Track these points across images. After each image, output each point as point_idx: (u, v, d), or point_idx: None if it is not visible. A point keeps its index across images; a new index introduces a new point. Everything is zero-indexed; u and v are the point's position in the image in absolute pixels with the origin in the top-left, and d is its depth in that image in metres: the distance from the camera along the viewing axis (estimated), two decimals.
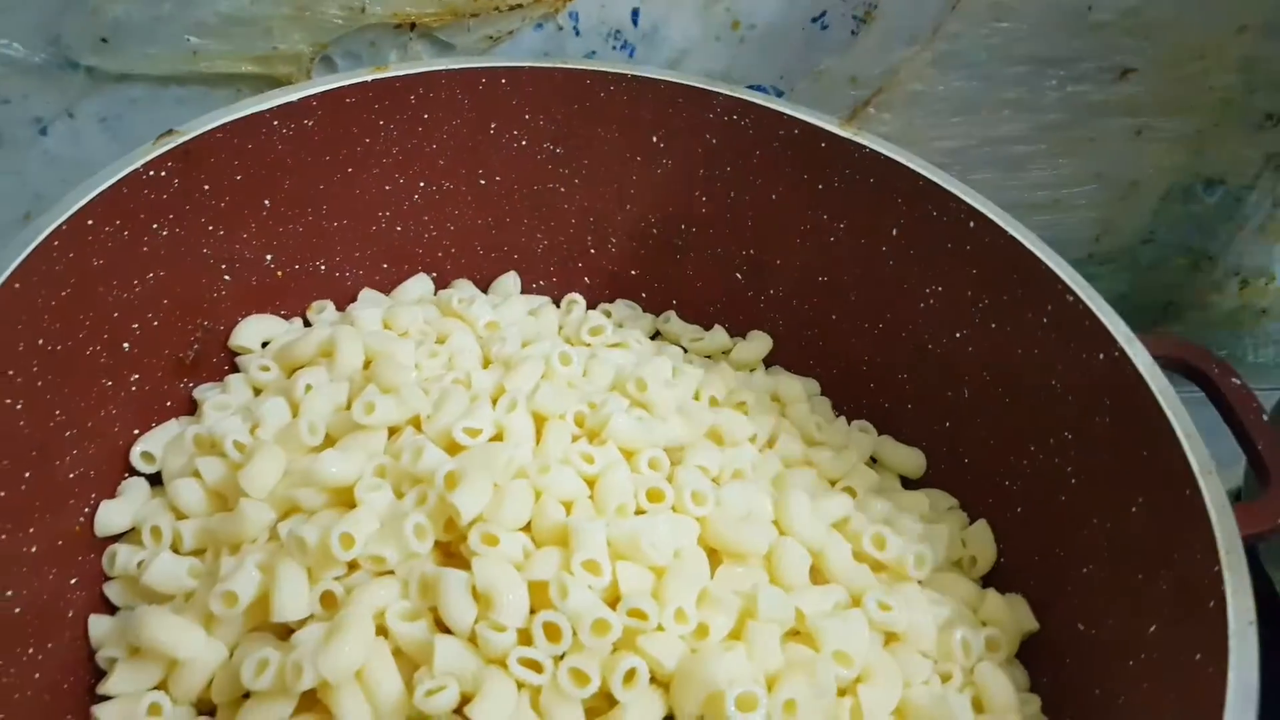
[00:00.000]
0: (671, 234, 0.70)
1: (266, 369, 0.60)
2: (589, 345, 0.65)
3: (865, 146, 0.62)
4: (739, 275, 0.70)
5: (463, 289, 0.68)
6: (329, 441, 0.55)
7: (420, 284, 0.68)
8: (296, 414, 0.56)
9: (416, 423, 0.55)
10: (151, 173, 0.55)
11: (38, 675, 0.47)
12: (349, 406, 0.56)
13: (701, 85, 0.64)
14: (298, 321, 0.64)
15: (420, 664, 0.46)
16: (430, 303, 0.66)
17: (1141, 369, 0.51)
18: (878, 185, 0.62)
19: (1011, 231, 0.58)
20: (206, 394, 0.59)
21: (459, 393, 0.56)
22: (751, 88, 0.67)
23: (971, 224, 0.59)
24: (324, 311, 0.64)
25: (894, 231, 0.63)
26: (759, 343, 0.70)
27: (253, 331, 0.62)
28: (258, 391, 0.60)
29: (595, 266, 0.71)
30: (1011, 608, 0.56)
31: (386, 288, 0.67)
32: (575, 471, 0.52)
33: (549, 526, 0.50)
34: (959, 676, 0.52)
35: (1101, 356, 0.53)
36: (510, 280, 0.70)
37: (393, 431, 0.55)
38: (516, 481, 0.50)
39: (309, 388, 0.57)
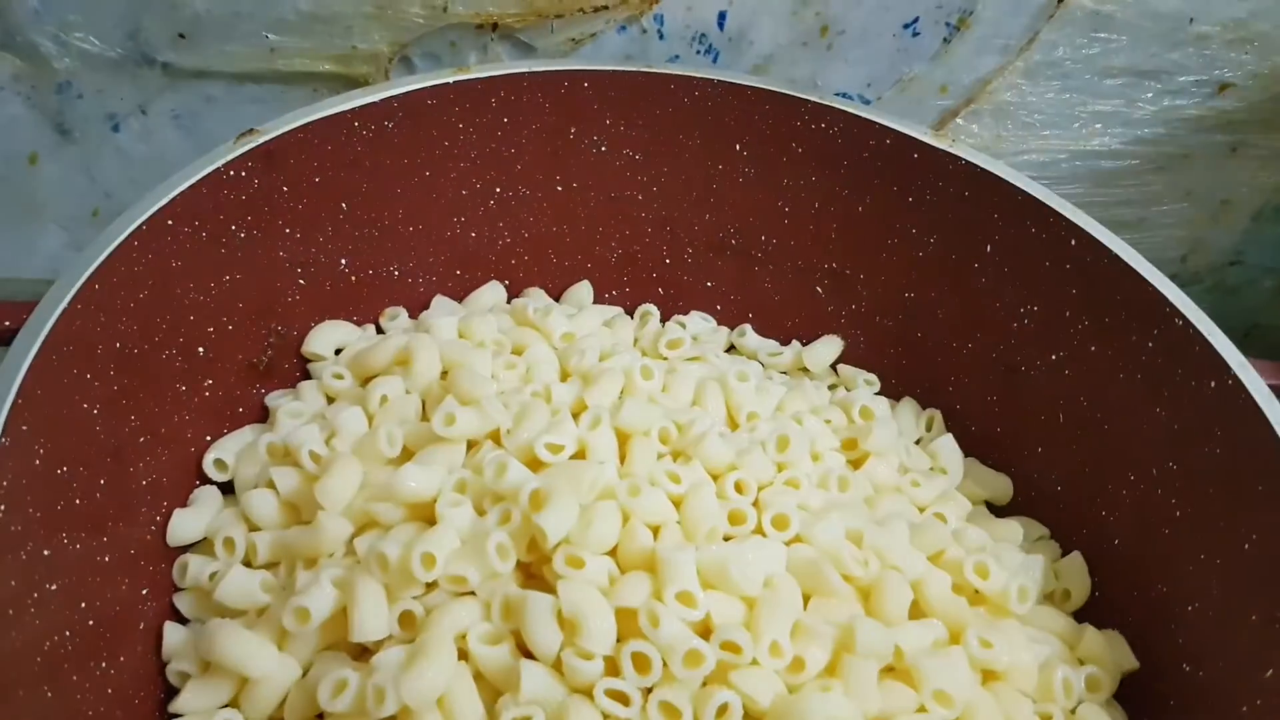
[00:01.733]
0: (751, 245, 0.67)
1: (340, 377, 0.58)
2: (666, 359, 0.63)
3: (961, 158, 0.60)
4: (819, 289, 0.67)
5: (536, 298, 0.66)
6: (406, 454, 0.53)
7: (493, 291, 0.66)
8: (372, 424, 0.54)
9: (496, 436, 0.53)
10: (232, 173, 0.53)
11: (110, 690, 0.45)
12: (426, 418, 0.54)
13: (789, 92, 0.62)
14: (370, 328, 0.63)
15: (501, 690, 0.44)
16: (504, 311, 0.64)
17: (1256, 397, 0.49)
18: (972, 199, 0.60)
19: (1116, 251, 0.56)
20: (279, 401, 0.58)
21: (540, 406, 0.54)
22: (837, 95, 0.65)
23: (1073, 241, 0.57)
24: (397, 319, 0.63)
25: (988, 248, 0.61)
26: (828, 345, 0.67)
27: (326, 338, 0.60)
28: (330, 400, 0.58)
29: (670, 277, 0.69)
30: (1111, 645, 0.54)
31: (459, 294, 0.66)
32: (664, 493, 0.50)
33: (637, 551, 0.48)
34: (1060, 717, 0.49)
35: (1212, 384, 0.51)
36: (584, 290, 0.68)
37: (471, 445, 0.53)
38: (603, 502, 0.48)
39: (385, 399, 0.55)
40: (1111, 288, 0.56)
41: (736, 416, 0.59)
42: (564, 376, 0.59)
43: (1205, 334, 0.52)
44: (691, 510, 0.50)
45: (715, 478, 0.53)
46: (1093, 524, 0.58)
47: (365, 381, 0.58)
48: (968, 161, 0.60)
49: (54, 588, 0.43)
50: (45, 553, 0.43)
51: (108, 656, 0.46)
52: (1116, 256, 0.56)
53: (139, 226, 0.49)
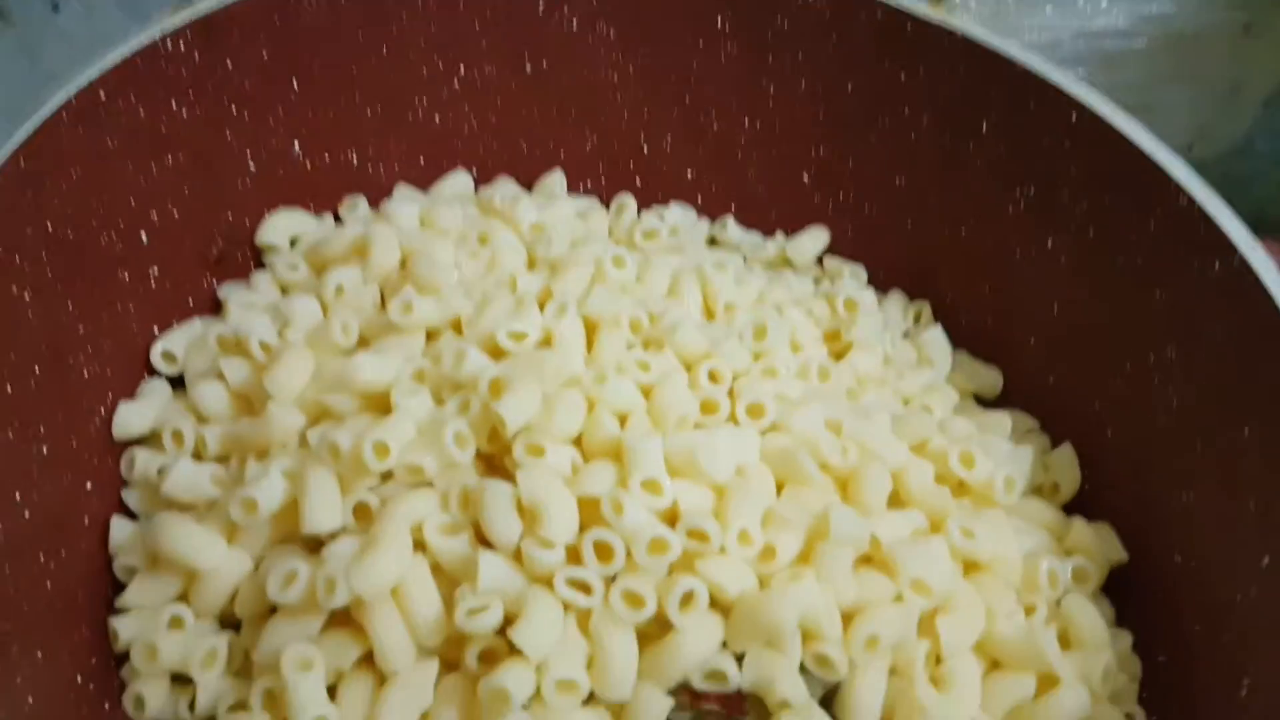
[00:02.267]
0: (733, 130, 0.64)
1: (295, 268, 0.55)
2: (641, 250, 0.60)
3: (957, 32, 0.56)
4: (806, 177, 0.64)
5: (505, 187, 0.63)
6: (362, 344, 0.51)
7: (459, 180, 0.63)
8: (327, 314, 0.52)
9: (457, 326, 0.51)
10: (170, 46, 0.50)
11: (50, 584, 0.44)
12: (384, 308, 0.52)
13: None
14: (328, 218, 0.60)
15: (460, 582, 0.42)
16: (470, 201, 0.61)
17: (1264, 278, 0.46)
18: (969, 76, 0.56)
19: (1118, 125, 0.52)
20: (231, 293, 0.55)
21: (503, 294, 0.51)
22: None
23: (1074, 116, 0.54)
24: (357, 208, 0.60)
25: (984, 127, 0.57)
26: (813, 237, 0.64)
27: (280, 227, 0.57)
28: (285, 291, 0.56)
29: (648, 167, 0.66)
30: (1099, 537, 0.52)
31: (423, 184, 0.62)
32: (633, 382, 0.47)
33: (601, 440, 0.46)
34: (1044, 609, 0.47)
35: (1217, 265, 0.48)
36: (556, 180, 0.65)
37: (431, 335, 0.51)
38: (567, 390, 0.46)
39: (340, 288, 0.53)
40: (1113, 165, 0.52)
41: (714, 307, 0.56)
42: (531, 266, 0.56)
43: (1211, 213, 0.49)
44: (661, 398, 0.47)
45: (688, 367, 0.50)
46: (1085, 415, 0.55)
47: (322, 272, 0.55)
48: (965, 35, 0.56)
49: None
50: None
51: (47, 550, 0.44)
52: (1119, 132, 0.52)
53: (68, 100, 0.46)
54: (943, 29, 0.57)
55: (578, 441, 0.46)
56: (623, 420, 0.47)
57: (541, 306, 0.51)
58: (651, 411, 0.47)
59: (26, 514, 0.43)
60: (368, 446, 0.43)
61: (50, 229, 0.46)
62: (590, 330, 0.51)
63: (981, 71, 0.56)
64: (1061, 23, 0.71)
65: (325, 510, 0.43)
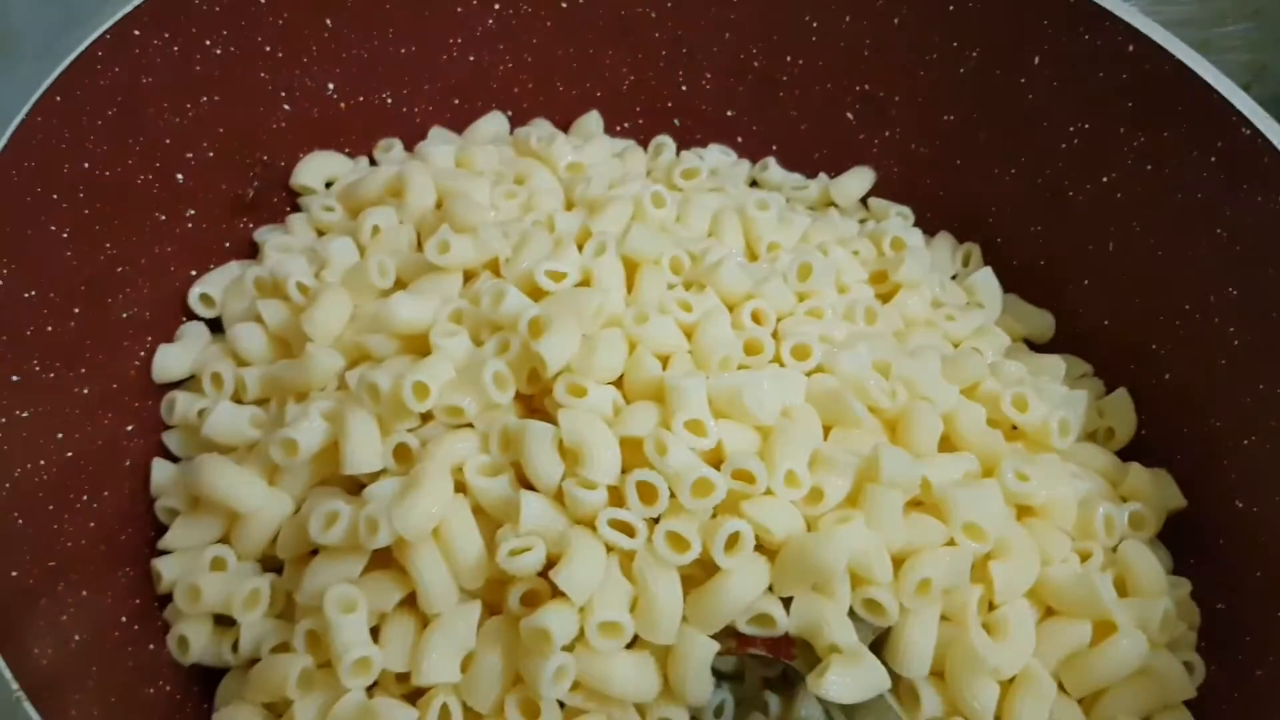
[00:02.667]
0: (775, 67, 0.62)
1: (330, 209, 0.55)
2: (681, 190, 0.59)
3: None
4: (850, 115, 0.62)
5: (541, 128, 0.62)
6: (399, 285, 0.50)
7: (495, 122, 0.62)
8: (364, 255, 0.51)
9: (494, 266, 0.50)
10: None
11: (93, 524, 0.43)
12: (420, 249, 0.51)
13: None
14: (363, 160, 0.59)
15: (501, 523, 0.42)
16: (506, 143, 0.60)
17: None
18: (1020, 6, 0.55)
19: (1179, 55, 0.50)
20: (267, 235, 0.54)
21: (541, 234, 0.50)
22: None
23: (1131, 48, 0.52)
24: (392, 150, 0.59)
25: (1036, 60, 0.55)
26: (858, 177, 0.62)
27: (315, 169, 0.57)
28: (321, 234, 0.55)
29: (687, 106, 0.64)
30: (1157, 483, 0.50)
31: (458, 126, 0.61)
32: (674, 321, 0.46)
33: (643, 380, 0.45)
34: (1100, 555, 0.46)
35: None
36: (593, 120, 0.63)
37: (468, 276, 0.50)
38: (608, 330, 0.45)
39: (376, 229, 0.52)
40: (1172, 97, 0.51)
41: (756, 248, 0.55)
42: (569, 207, 0.55)
43: (1278, 145, 0.47)
44: (704, 338, 0.46)
45: (731, 308, 0.49)
46: (1141, 359, 0.54)
47: (357, 214, 0.54)
48: None
49: (24, 415, 0.41)
50: (13, 378, 0.41)
51: (90, 491, 0.44)
52: (1179, 62, 0.50)
53: (102, 35, 0.46)
54: None
55: (618, 382, 0.45)
56: (664, 361, 0.46)
57: (580, 246, 0.50)
58: (694, 352, 0.46)
59: (69, 454, 0.43)
60: (407, 387, 0.42)
61: (87, 167, 0.46)
62: (630, 270, 0.50)
63: (1035, 2, 0.54)
64: None
65: (366, 451, 0.43)
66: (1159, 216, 0.52)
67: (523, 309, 0.45)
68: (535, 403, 0.46)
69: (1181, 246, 0.51)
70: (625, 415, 0.43)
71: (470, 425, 0.44)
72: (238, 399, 0.49)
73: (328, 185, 0.57)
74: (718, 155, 0.64)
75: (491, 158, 0.57)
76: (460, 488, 0.42)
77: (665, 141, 0.63)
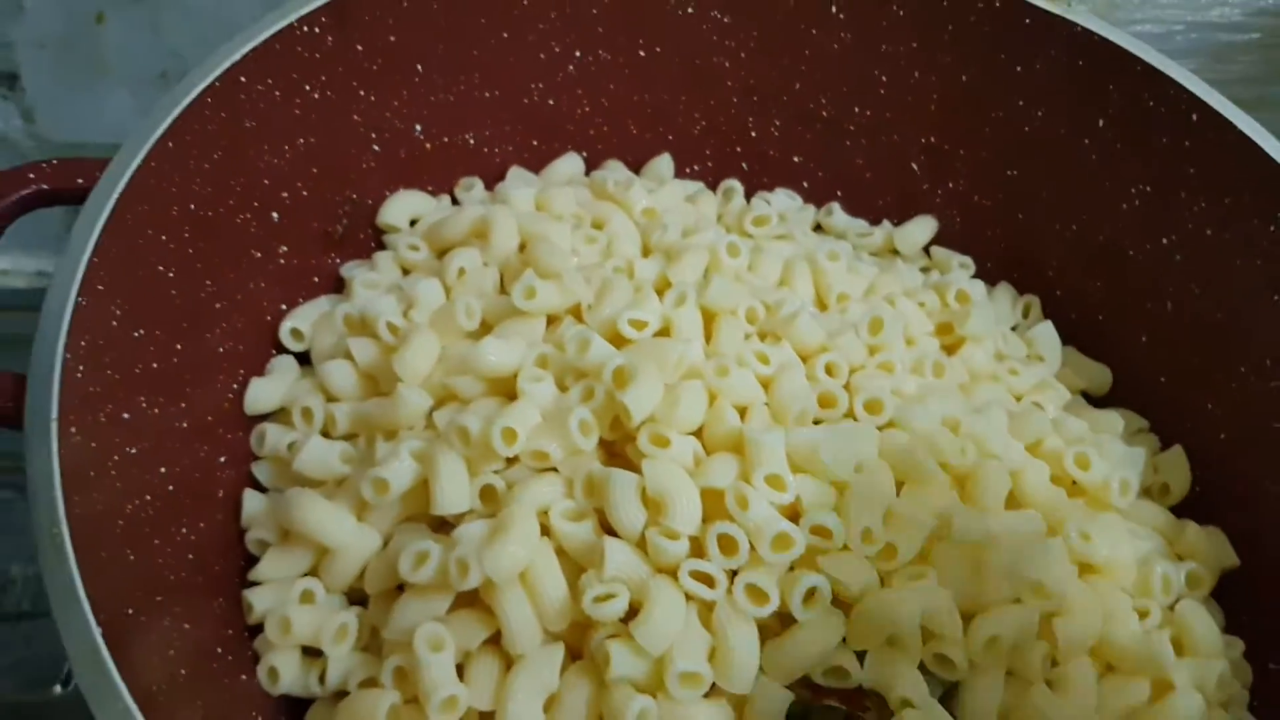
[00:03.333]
0: (843, 117, 0.63)
1: (416, 248, 0.56)
2: (751, 237, 0.60)
3: (1078, 25, 0.56)
4: (915, 165, 0.64)
5: (616, 171, 0.64)
6: (484, 327, 0.51)
7: (571, 163, 0.63)
8: (450, 296, 0.53)
9: (576, 311, 0.51)
10: (305, 29, 0.51)
11: (190, 556, 0.45)
12: (504, 291, 0.53)
13: None
14: (445, 199, 0.61)
15: (584, 567, 0.43)
16: (582, 184, 0.61)
17: None
18: (1087, 69, 0.56)
19: (1243, 128, 0.52)
20: (354, 272, 0.56)
21: (622, 281, 0.52)
22: None
23: (1194, 116, 0.53)
24: (473, 189, 0.61)
25: (1100, 122, 0.57)
26: (922, 226, 0.64)
27: (400, 208, 0.58)
28: (406, 271, 0.57)
29: (755, 151, 0.66)
30: (1211, 541, 0.52)
31: (535, 165, 0.63)
32: (752, 374, 0.48)
33: (723, 432, 0.46)
34: (1158, 614, 0.47)
35: None
36: (664, 164, 0.65)
37: (551, 320, 0.52)
38: (690, 382, 0.47)
39: (462, 271, 0.54)
40: (1235, 167, 0.52)
41: (826, 297, 0.56)
42: (645, 252, 0.57)
43: None
44: (781, 391, 0.48)
45: (804, 359, 0.51)
46: (1196, 416, 0.55)
47: (441, 253, 0.56)
48: (1085, 28, 0.55)
49: (134, 451, 0.43)
50: (125, 416, 0.43)
51: (188, 522, 0.46)
52: (1243, 134, 0.52)
53: (212, 83, 0.47)
54: (1063, 21, 0.56)
55: (698, 432, 0.47)
56: (742, 413, 0.48)
57: (659, 294, 0.52)
58: (771, 404, 0.48)
59: (170, 487, 0.45)
60: (496, 432, 0.44)
61: (193, 209, 0.48)
62: (708, 320, 0.51)
63: (1101, 67, 0.56)
64: (1175, 15, 0.69)
65: (456, 493, 0.44)
66: (1218, 280, 0.54)
67: (608, 358, 0.46)
68: (617, 448, 0.47)
69: (1239, 310, 0.53)
70: (706, 467, 0.45)
71: (555, 469, 0.46)
72: (326, 433, 0.50)
73: (411, 223, 0.59)
74: (784, 200, 0.66)
75: (569, 200, 0.58)
76: (545, 530, 0.44)
77: (734, 186, 0.65)
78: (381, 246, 0.58)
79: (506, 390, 0.48)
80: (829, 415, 0.49)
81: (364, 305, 0.52)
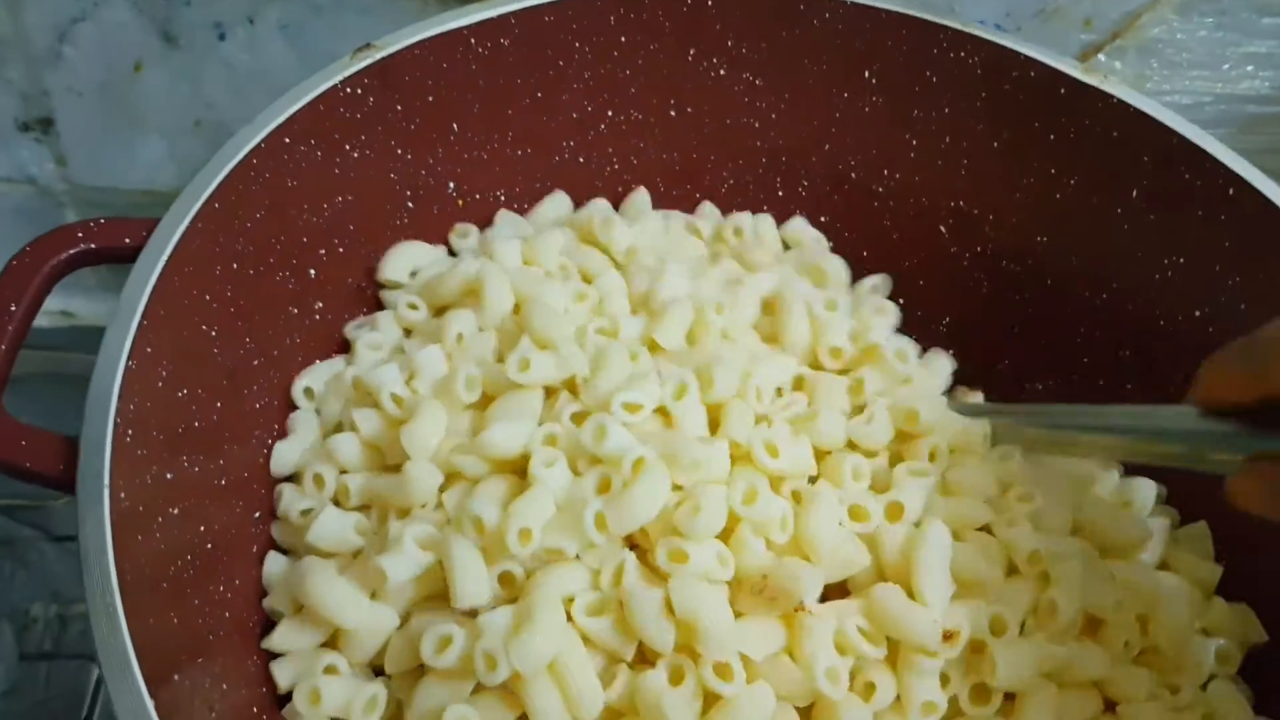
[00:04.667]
0: (871, 179, 0.64)
1: (415, 307, 0.55)
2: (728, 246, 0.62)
3: (1113, 96, 0.56)
4: (943, 228, 0.64)
5: (598, 209, 0.62)
6: (485, 398, 0.50)
7: (557, 204, 0.63)
8: (451, 364, 0.52)
9: (572, 385, 0.50)
10: (348, 90, 0.52)
11: (227, 615, 0.46)
12: (502, 357, 0.51)
13: (928, 18, 0.58)
14: (442, 248, 0.60)
15: (614, 654, 0.44)
16: (567, 224, 0.61)
17: None
18: (1122, 140, 0.56)
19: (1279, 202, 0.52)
20: (358, 333, 0.55)
21: (618, 352, 0.50)
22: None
23: (1231, 191, 0.53)
24: (468, 237, 0.60)
25: (1134, 193, 0.57)
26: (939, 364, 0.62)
27: (400, 263, 0.58)
28: (407, 331, 0.56)
29: (782, 210, 0.66)
30: (1239, 618, 0.51)
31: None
32: (784, 504, 0.47)
33: (753, 566, 0.45)
34: (1189, 692, 0.47)
35: None
36: (641, 198, 0.64)
37: (549, 390, 0.51)
38: (710, 488, 0.45)
39: (460, 337, 0.52)
40: (1272, 243, 0.52)
41: (819, 350, 0.56)
42: (635, 310, 0.56)
43: None
44: (811, 526, 0.46)
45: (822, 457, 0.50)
46: (1219, 491, 0.55)
47: (439, 311, 0.55)
48: (1120, 100, 0.56)
49: (176, 511, 0.43)
50: (168, 476, 0.43)
51: (224, 579, 0.46)
52: (1278, 209, 0.52)
53: (258, 144, 0.48)
54: (1099, 92, 0.56)
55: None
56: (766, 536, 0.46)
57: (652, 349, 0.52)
58: (800, 537, 0.46)
59: (209, 544, 0.45)
60: (512, 532, 0.43)
61: (236, 268, 0.48)
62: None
63: (1134, 137, 0.56)
64: (1204, 86, 0.70)
65: (475, 585, 0.44)
66: None
67: (626, 450, 0.45)
68: (636, 537, 0.46)
69: None
70: (748, 629, 0.44)
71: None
72: (338, 502, 0.50)
73: (413, 274, 0.58)
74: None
75: (554, 249, 0.57)
76: (570, 616, 0.44)
77: (709, 209, 0.65)
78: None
79: (515, 468, 0.48)
80: (861, 529, 0.48)
81: (367, 373, 0.51)
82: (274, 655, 0.47)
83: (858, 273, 0.66)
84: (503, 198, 0.61)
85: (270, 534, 0.50)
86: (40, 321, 0.71)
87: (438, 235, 0.59)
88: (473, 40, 0.55)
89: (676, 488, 0.45)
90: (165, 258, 0.43)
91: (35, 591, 0.66)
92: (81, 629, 0.65)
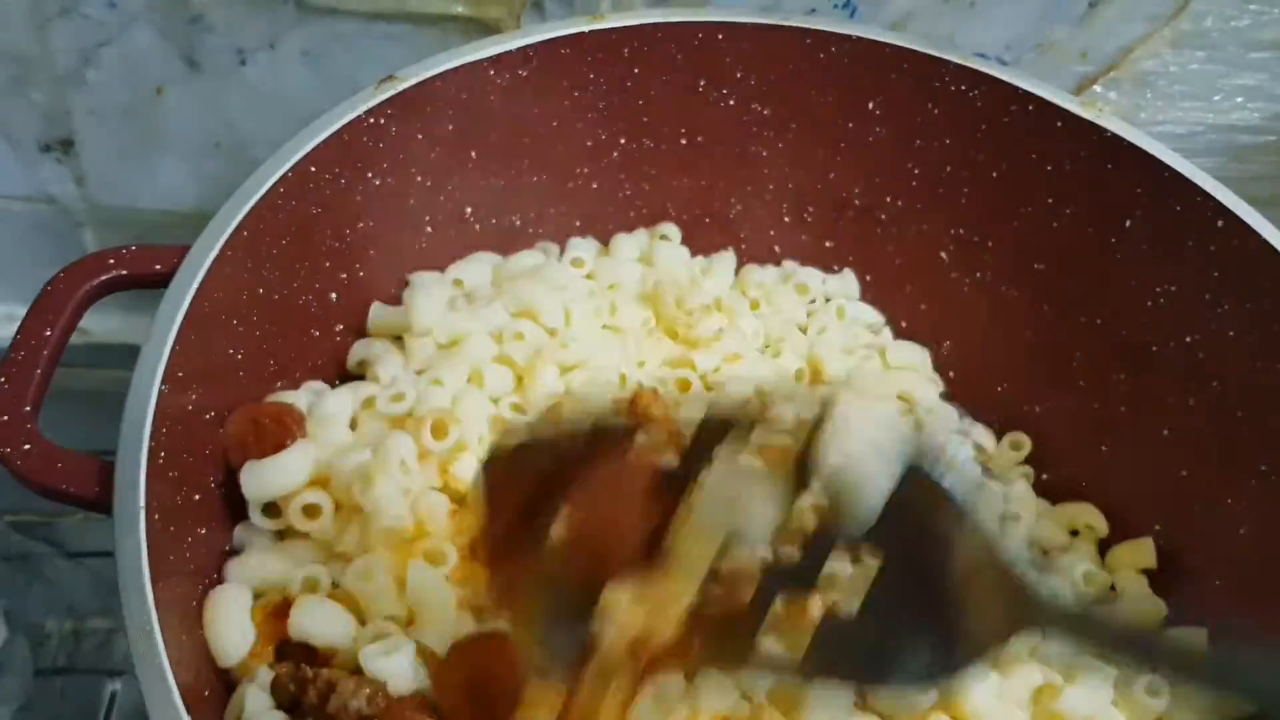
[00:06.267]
0: (875, 206, 0.66)
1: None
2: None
3: (1108, 130, 0.58)
4: (943, 254, 0.66)
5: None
6: None
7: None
8: None
9: None
10: (372, 120, 0.53)
11: None
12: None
13: (930, 52, 0.60)
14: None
15: None
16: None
17: None
18: (1116, 172, 0.58)
19: (1266, 236, 0.54)
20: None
21: None
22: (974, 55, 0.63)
23: (1220, 223, 0.55)
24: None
25: (1127, 223, 0.59)
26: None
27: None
28: None
29: (788, 237, 0.68)
30: None
31: None
32: None
33: None
34: None
35: None
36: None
37: None
38: None
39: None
40: (1258, 273, 0.54)
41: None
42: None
43: None
44: None
45: None
46: (1217, 507, 0.56)
47: None
48: (1115, 134, 0.58)
49: (204, 531, 0.44)
50: (196, 498, 0.44)
51: None
52: (1266, 242, 0.54)
53: (285, 173, 0.49)
54: (1094, 126, 0.58)
55: None
56: None
57: None
58: None
59: None
60: None
61: (261, 293, 0.49)
62: None
63: (1128, 169, 0.58)
64: (1197, 116, 0.72)
65: None
66: (1241, 378, 0.56)
67: None
68: None
69: (1263, 408, 0.55)
70: None
71: None
72: None
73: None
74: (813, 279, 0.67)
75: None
76: None
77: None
78: None
79: None
80: None
81: None
82: None
83: (860, 296, 0.68)
84: (518, 222, 0.63)
85: None
86: None
87: (455, 257, 0.61)
88: (492, 72, 0.56)
89: None
90: (197, 284, 0.44)
91: (50, 607, 0.67)
92: (96, 644, 0.64)
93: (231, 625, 0.43)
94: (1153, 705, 0.49)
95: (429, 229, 0.59)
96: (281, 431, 0.47)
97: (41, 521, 0.71)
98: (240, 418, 0.47)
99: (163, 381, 0.42)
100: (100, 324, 0.74)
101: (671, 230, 0.66)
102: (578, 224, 0.65)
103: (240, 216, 0.47)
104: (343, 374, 0.56)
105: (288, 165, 0.49)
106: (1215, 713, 0.49)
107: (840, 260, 0.68)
